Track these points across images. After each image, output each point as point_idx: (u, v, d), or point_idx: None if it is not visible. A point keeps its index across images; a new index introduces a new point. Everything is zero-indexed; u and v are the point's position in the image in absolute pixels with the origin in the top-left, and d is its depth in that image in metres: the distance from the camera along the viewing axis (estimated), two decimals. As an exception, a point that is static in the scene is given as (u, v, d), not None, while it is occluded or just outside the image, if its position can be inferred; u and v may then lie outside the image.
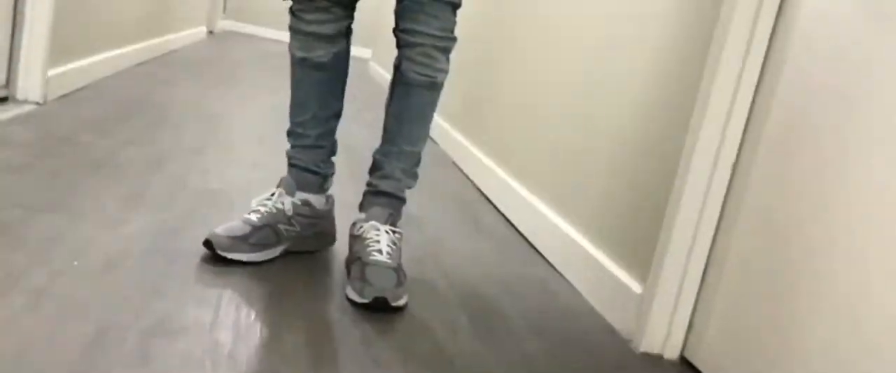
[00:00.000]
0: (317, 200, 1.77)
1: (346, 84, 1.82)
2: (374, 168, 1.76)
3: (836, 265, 1.23)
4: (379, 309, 1.53)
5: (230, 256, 1.62)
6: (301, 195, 1.75)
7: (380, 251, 1.61)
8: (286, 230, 1.71)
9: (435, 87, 1.72)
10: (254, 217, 1.68)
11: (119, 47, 3.82)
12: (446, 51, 1.71)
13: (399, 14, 1.69)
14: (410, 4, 1.67)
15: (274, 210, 1.70)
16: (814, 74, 1.35)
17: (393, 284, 1.55)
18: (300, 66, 1.76)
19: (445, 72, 1.72)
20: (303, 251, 1.77)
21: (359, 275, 1.57)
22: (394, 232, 1.68)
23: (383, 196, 1.73)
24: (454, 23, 1.71)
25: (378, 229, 1.66)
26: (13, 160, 2.01)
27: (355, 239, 1.67)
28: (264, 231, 1.67)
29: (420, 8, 1.66)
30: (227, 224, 1.68)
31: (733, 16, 1.47)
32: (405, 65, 1.70)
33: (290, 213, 1.72)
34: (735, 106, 1.49)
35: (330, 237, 1.85)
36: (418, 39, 1.68)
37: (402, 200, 1.76)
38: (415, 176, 1.78)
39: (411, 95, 1.72)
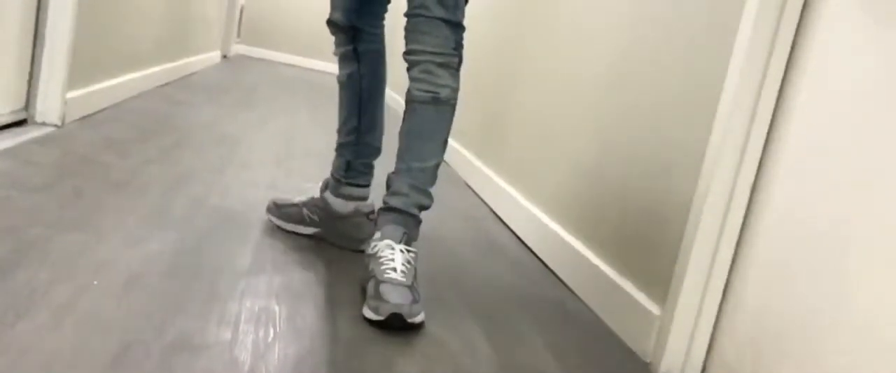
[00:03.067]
0: (334, 201, 2.01)
1: (371, 104, 2.00)
2: (387, 187, 1.79)
3: (859, 283, 1.23)
4: (396, 326, 1.54)
5: (267, 215, 2.11)
6: (325, 193, 2.03)
7: (394, 269, 1.62)
8: (309, 217, 2.04)
9: (438, 103, 1.73)
10: (303, 197, 2.07)
11: (136, 71, 3.86)
12: (446, 67, 1.73)
13: (405, 39, 1.76)
14: (409, 27, 1.74)
15: (311, 197, 2.06)
16: (839, 80, 1.35)
17: (408, 301, 1.55)
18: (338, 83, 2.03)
19: (450, 87, 1.73)
20: (333, 245, 2.00)
21: (374, 293, 1.58)
22: (408, 251, 1.69)
23: (393, 212, 1.74)
24: (453, 39, 1.73)
25: (392, 248, 1.67)
26: (34, 180, 2.03)
27: (371, 258, 1.68)
28: (296, 209, 2.05)
29: (415, 27, 1.73)
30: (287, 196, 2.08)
31: (750, 39, 1.48)
32: (410, 85, 1.76)
33: (310, 204, 2.04)
34: (754, 124, 1.50)
35: (354, 240, 2.00)
36: (417, 57, 1.73)
37: (415, 218, 1.76)
38: (426, 194, 1.77)
39: (416, 112, 1.75)
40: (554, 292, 2.00)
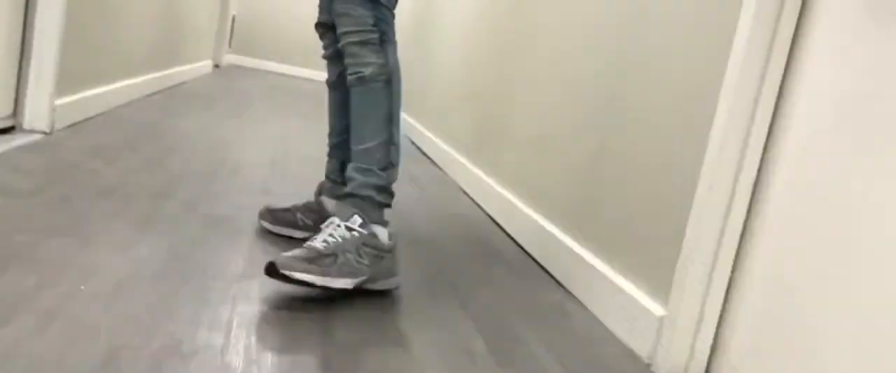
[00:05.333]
0: (330, 204, 1.91)
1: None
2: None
3: (864, 284, 1.20)
4: (268, 274, 1.54)
5: (260, 221, 2.04)
6: (321, 196, 1.99)
7: (315, 239, 1.63)
8: (302, 221, 1.99)
9: (364, 82, 1.72)
10: (297, 202, 2.04)
11: (126, 79, 3.83)
12: (365, 44, 1.71)
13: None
14: (333, 13, 1.75)
15: (305, 202, 2.02)
16: (835, 87, 1.33)
17: (295, 257, 1.55)
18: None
19: (375, 64, 1.71)
20: None
21: None
22: (350, 229, 1.65)
23: (346, 197, 1.74)
24: (371, 16, 1.72)
25: (330, 224, 1.66)
26: (21, 186, 1.99)
27: None
28: (289, 213, 2.00)
29: (336, 11, 1.74)
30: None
31: (749, 38, 1.45)
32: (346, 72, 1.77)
33: (304, 208, 2.00)
34: (754, 122, 1.47)
35: None
36: (341, 42, 1.75)
37: (370, 199, 1.73)
38: (372, 173, 1.73)
39: (350, 96, 1.76)
40: (552, 294, 1.96)
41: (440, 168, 3.77)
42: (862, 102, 1.27)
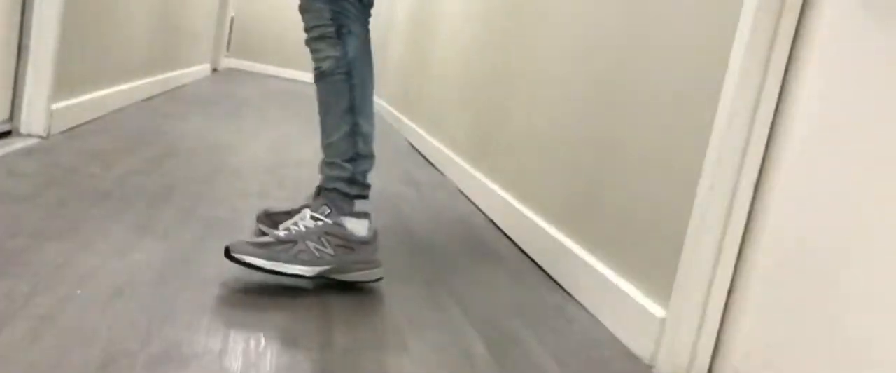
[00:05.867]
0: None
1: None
2: None
3: (866, 284, 1.19)
4: (226, 257, 1.60)
5: (257, 224, 2.02)
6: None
7: (279, 230, 1.69)
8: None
9: (324, 76, 1.74)
10: (295, 205, 2.03)
11: (124, 83, 3.81)
12: (323, 39, 1.73)
13: None
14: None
15: (302, 204, 1.93)
16: (837, 86, 1.32)
17: (249, 242, 1.61)
18: None
19: (332, 57, 1.73)
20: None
21: None
22: (316, 219, 1.69)
23: (321, 192, 1.78)
24: (329, 10, 1.73)
25: (302, 215, 1.71)
26: (18, 190, 1.98)
27: None
28: (287, 216, 1.93)
29: (300, 10, 1.77)
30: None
31: (749, 38, 1.44)
32: None
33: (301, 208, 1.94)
34: (756, 121, 1.46)
35: None
36: (305, 40, 1.77)
37: (336, 191, 1.75)
38: (336, 166, 1.76)
39: (316, 93, 1.79)
40: (552, 296, 1.95)
41: (439, 170, 3.76)
42: (863, 100, 1.26)
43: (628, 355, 1.63)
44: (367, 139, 1.76)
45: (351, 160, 1.74)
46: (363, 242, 1.70)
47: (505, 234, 2.56)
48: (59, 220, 1.80)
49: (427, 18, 4.98)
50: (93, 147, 2.70)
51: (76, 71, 2.98)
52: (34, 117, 2.67)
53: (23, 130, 2.66)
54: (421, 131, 4.46)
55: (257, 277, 1.68)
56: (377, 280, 1.75)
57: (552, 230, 2.19)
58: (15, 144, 2.50)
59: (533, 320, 1.75)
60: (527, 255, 2.32)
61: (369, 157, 1.77)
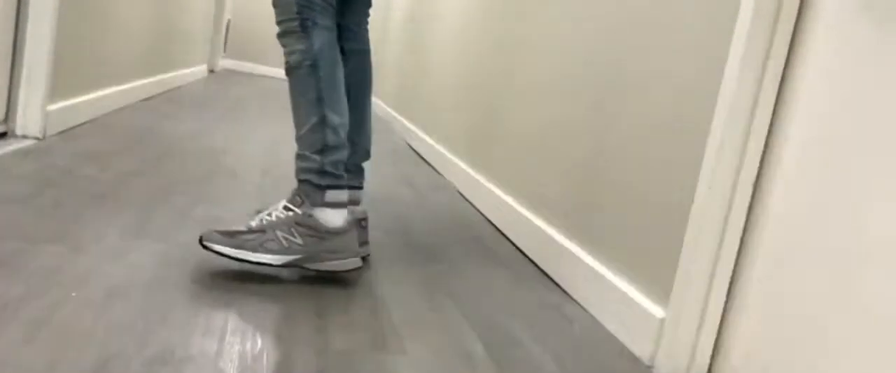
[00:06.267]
0: None
1: (357, 102, 1.96)
2: None
3: (869, 284, 1.18)
4: (199, 244, 1.66)
5: None
6: None
7: (255, 219, 1.74)
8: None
9: (291, 71, 1.77)
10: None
11: (120, 84, 3.80)
12: (289, 33, 1.77)
13: None
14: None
15: None
16: (835, 86, 1.31)
17: (219, 231, 1.67)
18: None
19: (297, 51, 1.76)
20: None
21: None
22: (288, 210, 1.73)
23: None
24: (295, 4, 1.75)
25: (278, 207, 1.76)
26: (13, 192, 1.96)
27: None
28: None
29: (272, 4, 1.80)
30: None
31: (747, 38, 1.43)
32: None
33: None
34: (754, 121, 1.45)
35: None
36: (276, 35, 1.80)
37: (308, 183, 1.75)
38: (302, 158, 1.77)
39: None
40: (551, 296, 1.94)
41: (436, 171, 3.75)
42: (862, 100, 1.25)
43: (627, 355, 1.62)
44: (337, 130, 1.76)
45: (320, 152, 1.75)
46: (336, 232, 1.72)
47: (503, 234, 2.55)
48: (54, 221, 1.79)
49: (424, 18, 4.97)
50: (88, 148, 2.69)
51: (72, 72, 2.97)
52: (30, 119, 2.66)
53: (18, 131, 2.65)
54: (419, 132, 4.45)
55: (253, 280, 1.67)
56: (354, 270, 1.76)
57: (551, 230, 2.18)
58: (10, 146, 2.49)
59: (531, 320, 1.73)
60: (525, 255, 2.31)
61: (341, 147, 1.77)
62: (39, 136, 2.67)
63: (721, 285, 1.49)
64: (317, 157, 1.75)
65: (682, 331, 1.50)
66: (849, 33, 1.30)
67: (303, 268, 1.72)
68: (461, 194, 3.18)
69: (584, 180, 2.06)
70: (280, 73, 8.68)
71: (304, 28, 1.74)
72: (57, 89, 2.80)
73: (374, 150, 1.99)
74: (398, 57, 5.89)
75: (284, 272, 1.75)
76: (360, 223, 1.93)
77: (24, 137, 2.65)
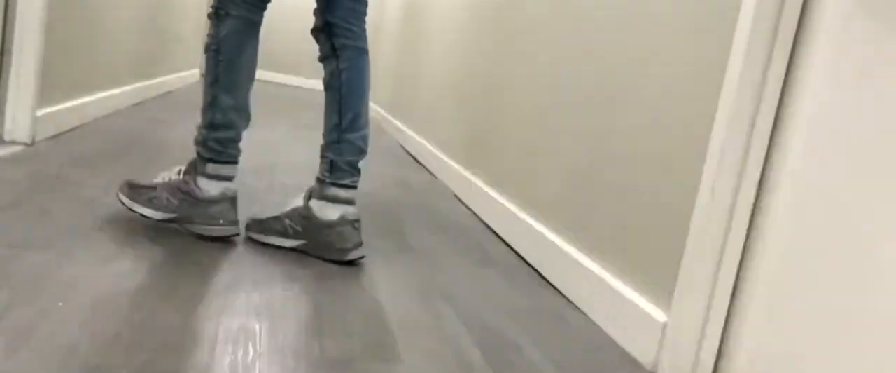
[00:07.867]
0: (319, 206, 1.96)
1: (352, 101, 1.99)
2: None
3: (874, 286, 1.15)
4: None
5: (247, 233, 2.02)
6: (310, 201, 1.98)
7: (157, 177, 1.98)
8: (291, 228, 1.97)
9: (205, 51, 1.94)
10: (285, 209, 2.01)
11: (110, 88, 3.76)
12: (210, 18, 1.92)
13: None
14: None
15: (293, 207, 2.01)
16: (839, 86, 1.28)
17: (129, 185, 1.94)
18: None
19: (209, 36, 1.93)
20: (317, 258, 1.84)
21: None
22: (178, 175, 1.95)
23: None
24: None
25: (171, 171, 1.99)
26: (0, 199, 1.93)
27: None
28: (277, 221, 1.98)
29: None
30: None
31: (751, 35, 1.40)
32: None
33: (293, 214, 1.99)
34: (757, 123, 1.42)
35: (339, 251, 1.93)
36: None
37: (197, 153, 1.94)
38: (198, 131, 1.95)
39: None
40: (551, 301, 1.91)
41: (432, 173, 3.71)
42: (865, 101, 1.22)
43: (629, 360, 1.58)
44: (226, 112, 1.90)
45: (206, 127, 1.91)
46: (209, 201, 1.89)
47: (500, 237, 2.52)
48: (41, 229, 1.75)
49: (418, 20, 4.94)
50: (78, 154, 2.65)
51: (61, 76, 2.92)
52: (18, 124, 2.62)
53: (7, 137, 2.60)
54: (413, 134, 4.42)
55: (244, 287, 1.63)
56: (219, 238, 1.91)
57: (549, 233, 2.15)
58: (-2, 152, 2.45)
59: (530, 325, 1.70)
60: (523, 258, 2.28)
61: (227, 127, 1.91)
62: (28, 141, 2.63)
63: (725, 288, 1.46)
64: (204, 131, 1.92)
65: (685, 335, 1.47)
66: (851, 36, 1.27)
67: (181, 227, 1.92)
68: (457, 197, 3.14)
69: (584, 183, 2.03)
70: (272, 76, 8.65)
71: (218, 16, 1.89)
72: (46, 94, 2.76)
73: (368, 150, 1.96)
74: (391, 60, 5.86)
75: (277, 278, 1.72)
76: (352, 225, 1.90)
77: (13, 142, 2.61)
